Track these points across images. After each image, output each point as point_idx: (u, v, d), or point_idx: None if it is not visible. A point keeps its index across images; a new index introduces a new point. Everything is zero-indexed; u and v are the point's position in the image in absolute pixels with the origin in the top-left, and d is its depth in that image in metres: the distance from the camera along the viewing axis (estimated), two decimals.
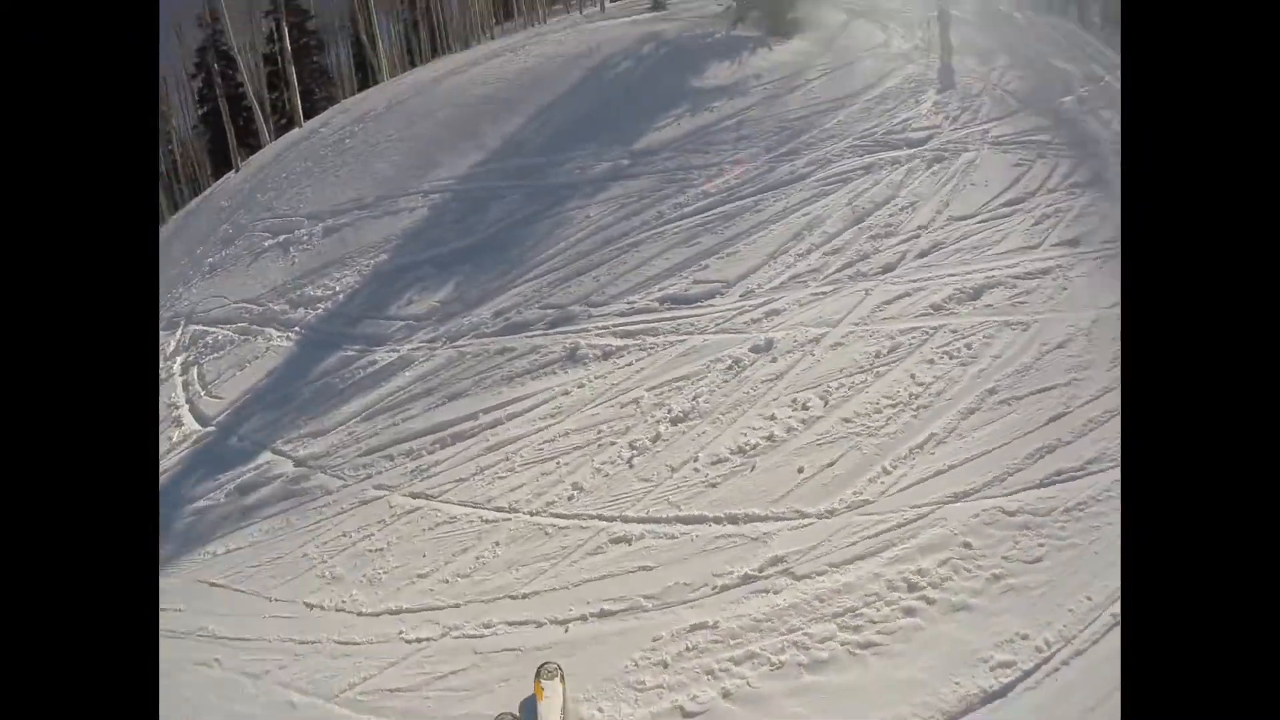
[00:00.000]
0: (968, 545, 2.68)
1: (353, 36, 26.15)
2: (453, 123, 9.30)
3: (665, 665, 2.68)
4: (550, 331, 5.14)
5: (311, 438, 4.82)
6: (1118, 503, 2.84)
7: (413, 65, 21.17)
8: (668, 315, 4.95)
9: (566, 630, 2.95)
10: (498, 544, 3.56)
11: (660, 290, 5.23)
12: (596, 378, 4.59)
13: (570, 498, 3.72)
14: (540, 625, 2.99)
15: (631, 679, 2.66)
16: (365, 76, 23.65)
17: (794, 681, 2.44)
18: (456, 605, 3.21)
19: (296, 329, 6.34)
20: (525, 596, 3.19)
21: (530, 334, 5.16)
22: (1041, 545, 2.59)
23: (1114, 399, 3.07)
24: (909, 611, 2.53)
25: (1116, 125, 7.24)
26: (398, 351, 5.33)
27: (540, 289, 5.63)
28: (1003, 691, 2.18)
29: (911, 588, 2.60)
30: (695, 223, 5.85)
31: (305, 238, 8.06)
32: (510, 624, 3.04)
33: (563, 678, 2.65)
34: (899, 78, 7.35)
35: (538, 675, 2.65)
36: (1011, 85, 6.82)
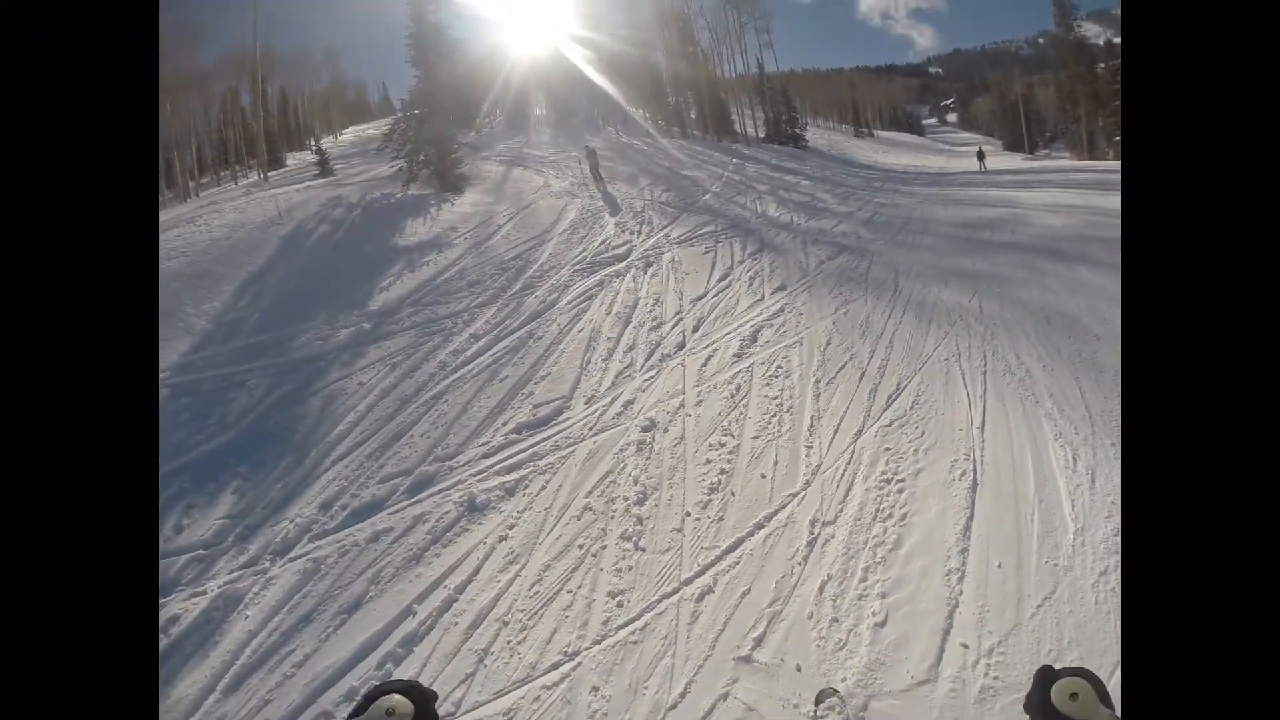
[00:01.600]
0: (888, 449, 4.53)
1: None
2: None
3: (836, 620, 3.43)
4: (421, 497, 4.72)
5: None
6: (931, 390, 5.17)
7: None
8: (537, 438, 5.32)
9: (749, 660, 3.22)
10: (596, 689, 3.31)
11: (506, 424, 5.52)
12: (522, 512, 4.60)
13: (619, 604, 3.81)
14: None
15: (834, 640, 3.28)
16: None
17: (896, 559, 3.69)
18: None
19: None
20: (684, 696, 3.17)
21: (395, 508, 4.59)
22: (917, 426, 4.71)
23: (885, 351, 5.61)
24: (900, 490, 4.15)
25: (754, 205, 10.80)
26: (204, 593, 3.80)
27: (362, 465, 5.01)
28: (975, 484, 4.06)
29: (889, 481, 4.24)
30: (486, 362, 6.30)
31: None
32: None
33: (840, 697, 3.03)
34: (575, 210, 9.56)
35: (817, 701, 2.91)
36: (663, 198, 9.90)
